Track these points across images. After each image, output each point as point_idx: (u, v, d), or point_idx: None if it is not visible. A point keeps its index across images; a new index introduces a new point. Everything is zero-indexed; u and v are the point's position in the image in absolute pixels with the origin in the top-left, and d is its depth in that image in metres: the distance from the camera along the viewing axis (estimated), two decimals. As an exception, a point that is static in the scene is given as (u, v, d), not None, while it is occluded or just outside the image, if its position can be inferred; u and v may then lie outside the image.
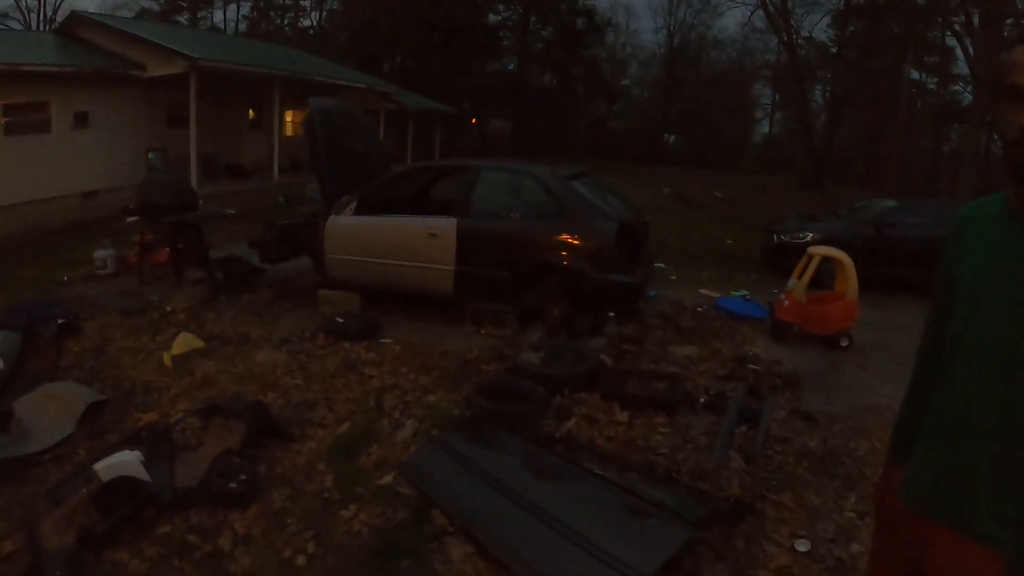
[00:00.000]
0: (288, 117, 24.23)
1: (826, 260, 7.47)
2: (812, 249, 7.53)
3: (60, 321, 7.23)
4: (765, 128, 56.29)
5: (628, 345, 6.83)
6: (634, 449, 4.98)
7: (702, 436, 5.24)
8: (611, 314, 7.04)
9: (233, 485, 4.51)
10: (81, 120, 16.64)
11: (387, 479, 4.65)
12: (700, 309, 8.44)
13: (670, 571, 3.69)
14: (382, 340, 6.95)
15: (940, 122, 39.45)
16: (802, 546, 3.97)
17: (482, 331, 7.32)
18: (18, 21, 46.06)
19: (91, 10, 26.05)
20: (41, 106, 15.76)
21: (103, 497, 4.26)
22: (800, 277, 7.41)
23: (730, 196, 27.01)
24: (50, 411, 5.43)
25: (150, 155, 16.92)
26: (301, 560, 4.06)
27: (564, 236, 7.12)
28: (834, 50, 37.82)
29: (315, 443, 5.11)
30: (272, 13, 54.93)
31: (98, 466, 4.42)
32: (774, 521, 4.29)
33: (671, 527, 3.84)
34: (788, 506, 4.42)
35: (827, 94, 38.34)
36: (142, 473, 4.45)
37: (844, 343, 7.32)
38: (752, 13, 40.37)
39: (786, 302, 7.46)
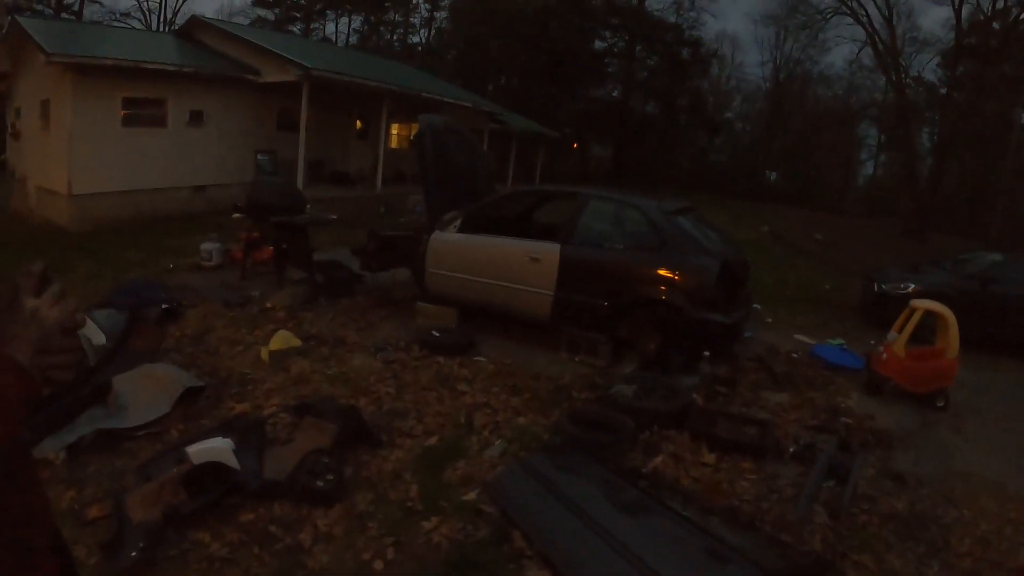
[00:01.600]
0: (394, 130, 25.01)
1: (928, 314, 7.16)
2: (915, 302, 7.30)
3: (164, 306, 7.66)
4: (869, 170, 54.40)
5: (720, 386, 6.75)
6: (718, 492, 4.90)
7: (788, 486, 5.12)
8: (706, 353, 6.95)
9: (320, 483, 4.66)
10: (196, 118, 17.69)
11: (471, 495, 4.71)
12: (795, 355, 8.23)
13: None
14: (476, 357, 7.08)
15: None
16: None
17: (576, 358, 7.36)
18: (139, 20, 49.25)
19: (209, 15, 27.57)
20: (159, 102, 16.89)
21: (192, 478, 4.48)
22: (900, 331, 7.18)
23: (830, 239, 26.23)
24: (148, 390, 5.73)
25: (259, 157, 17.73)
26: (379, 565, 4.15)
27: (665, 271, 7.11)
28: (943, 91, 36.31)
29: (402, 452, 5.22)
30: (382, 28, 56.89)
31: (191, 449, 4.66)
32: None
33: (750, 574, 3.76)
34: (869, 567, 4.28)
35: (934, 137, 36.74)
36: (232, 460, 4.66)
37: (940, 403, 7.00)
38: (860, 50, 39.49)
39: (884, 355, 7.22)
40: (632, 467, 5.07)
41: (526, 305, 7.73)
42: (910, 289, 10.40)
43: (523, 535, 4.31)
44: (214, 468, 4.57)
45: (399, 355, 6.95)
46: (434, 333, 7.29)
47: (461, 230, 8.27)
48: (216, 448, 4.72)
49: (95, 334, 6.47)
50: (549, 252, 7.57)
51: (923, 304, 7.22)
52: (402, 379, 6.44)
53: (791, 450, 5.60)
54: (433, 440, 5.37)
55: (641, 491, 4.64)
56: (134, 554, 3.93)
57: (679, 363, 7.01)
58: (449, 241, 8.33)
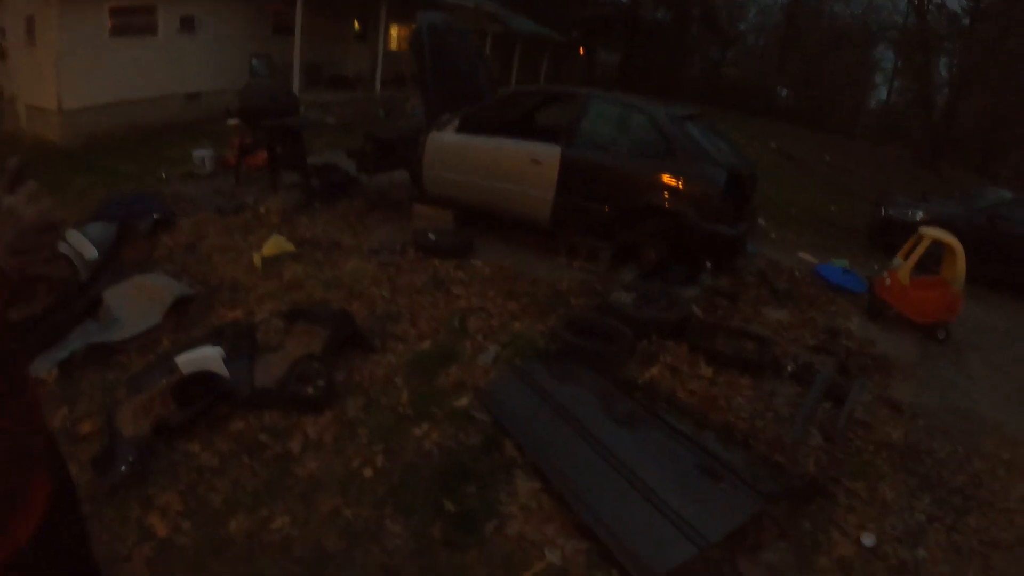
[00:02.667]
0: (393, 31, 24.10)
1: (936, 244, 6.87)
2: (923, 230, 7.02)
3: (155, 216, 7.43)
4: (883, 95, 52.38)
5: (721, 299, 6.59)
6: (714, 407, 4.79)
7: (785, 406, 5.02)
8: (708, 265, 6.77)
9: (310, 390, 4.54)
10: (187, 24, 16.93)
11: (463, 402, 4.58)
12: (797, 273, 8.09)
13: (733, 540, 3.58)
14: (472, 261, 6.87)
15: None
16: (868, 540, 3.83)
17: (575, 264, 7.17)
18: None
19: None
20: (148, 10, 16.06)
21: (181, 389, 4.35)
22: (906, 258, 6.94)
23: (839, 162, 25.63)
24: (139, 301, 5.58)
25: (253, 61, 17.11)
26: (368, 472, 4.05)
27: (670, 179, 6.81)
28: (966, 21, 34.56)
29: (395, 357, 5.08)
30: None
31: (179, 359, 4.52)
32: (844, 508, 4.12)
33: (742, 496, 3.68)
34: (860, 495, 4.23)
35: (953, 68, 35.09)
36: (222, 369, 4.52)
37: (941, 335, 6.85)
38: (881, -34, 37.16)
39: (888, 281, 7.05)
40: (628, 377, 4.96)
41: (525, 208, 7.46)
42: (918, 217, 10.14)
43: (514, 444, 4.21)
44: (204, 377, 4.44)
45: (394, 258, 6.75)
46: (430, 236, 7.05)
47: (460, 130, 7.92)
48: (205, 357, 4.58)
49: (86, 248, 6.30)
50: (550, 154, 7.27)
51: (931, 233, 6.92)
52: (397, 282, 6.26)
53: (789, 369, 5.47)
54: (426, 344, 5.23)
55: (636, 402, 4.52)
56: (123, 468, 3.85)
57: (680, 274, 6.83)
58: (447, 142, 8.00)
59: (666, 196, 6.82)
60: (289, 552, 3.58)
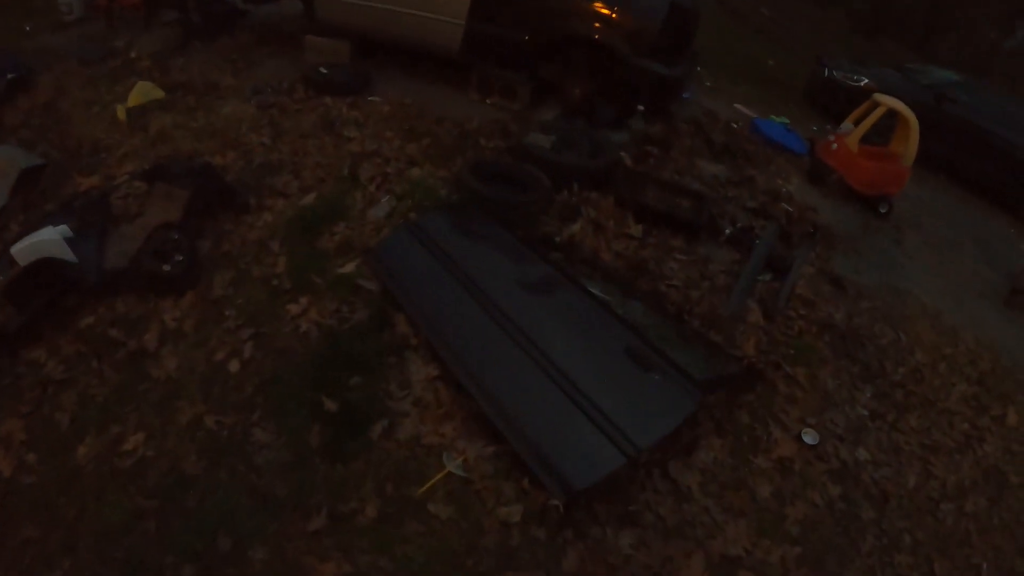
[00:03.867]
0: None
1: (888, 115, 5.97)
2: (878, 97, 6.08)
3: (10, 76, 5.99)
4: None
5: (652, 148, 5.50)
6: (644, 272, 4.01)
7: (721, 274, 4.26)
8: (640, 108, 5.67)
9: (166, 267, 3.59)
10: None
11: (349, 267, 3.70)
12: (735, 126, 6.87)
13: (664, 440, 2.94)
14: (370, 97, 5.64)
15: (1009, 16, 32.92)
16: (809, 437, 3.43)
17: (488, 101, 5.94)
18: None
19: None
20: None
21: (19, 286, 3.44)
22: (856, 123, 6.06)
23: (776, 16, 23.54)
24: (-23, 182, 4.46)
25: None
26: (234, 366, 3.24)
27: (603, 6, 5.49)
28: None
29: (272, 216, 4.11)
30: None
31: (14, 249, 3.59)
32: (784, 399, 3.57)
33: (676, 389, 2.95)
34: (801, 384, 3.69)
35: None
36: (66, 252, 3.63)
37: (883, 209, 6.07)
38: None
39: (834, 145, 6.12)
40: (544, 235, 4.08)
41: (432, 36, 6.03)
42: (863, 83, 9.01)
43: (408, 320, 3.33)
44: (45, 266, 3.49)
45: (279, 99, 5.48)
46: (322, 70, 5.76)
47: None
48: (44, 242, 3.63)
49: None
50: (461, -27, 5.78)
51: (887, 101, 5.98)
52: (280, 126, 5.08)
53: (727, 232, 4.65)
54: (310, 199, 4.24)
55: (552, 266, 3.65)
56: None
57: (607, 116, 5.69)
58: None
59: (596, 26, 5.57)
60: (143, 480, 2.88)
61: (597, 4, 5.52)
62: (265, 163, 4.58)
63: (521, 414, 2.81)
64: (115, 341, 3.38)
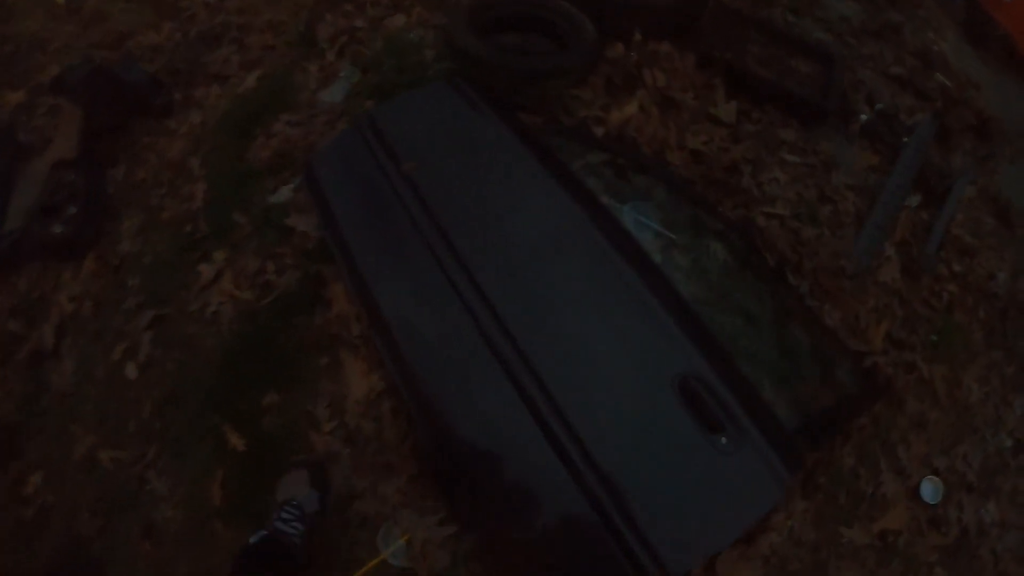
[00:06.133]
0: None
1: None
2: None
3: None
4: None
5: None
6: (733, 188, 2.23)
7: (850, 192, 2.38)
8: None
9: (58, 228, 2.35)
10: None
11: (282, 194, 2.27)
12: None
13: None
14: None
15: None
16: (929, 489, 1.90)
17: None
18: None
19: None
20: None
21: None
22: None
23: None
24: None
25: None
26: (131, 371, 2.10)
27: None
28: None
29: (202, 114, 2.71)
30: None
31: None
32: (910, 421, 2.00)
33: (755, 464, 1.41)
34: (937, 394, 2.05)
35: None
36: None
37: None
38: None
39: None
40: (579, 123, 2.28)
41: None
42: None
43: (348, 295, 1.94)
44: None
45: None
46: None
47: None
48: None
49: None
50: None
51: None
52: None
53: (862, 117, 2.58)
54: (250, 81, 2.75)
55: (583, 199, 1.84)
56: None
57: None
58: None
59: None
60: (41, 540, 1.95)
61: None
62: (205, 32, 3.06)
63: (492, 488, 1.46)
64: (15, 336, 2.27)
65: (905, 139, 2.51)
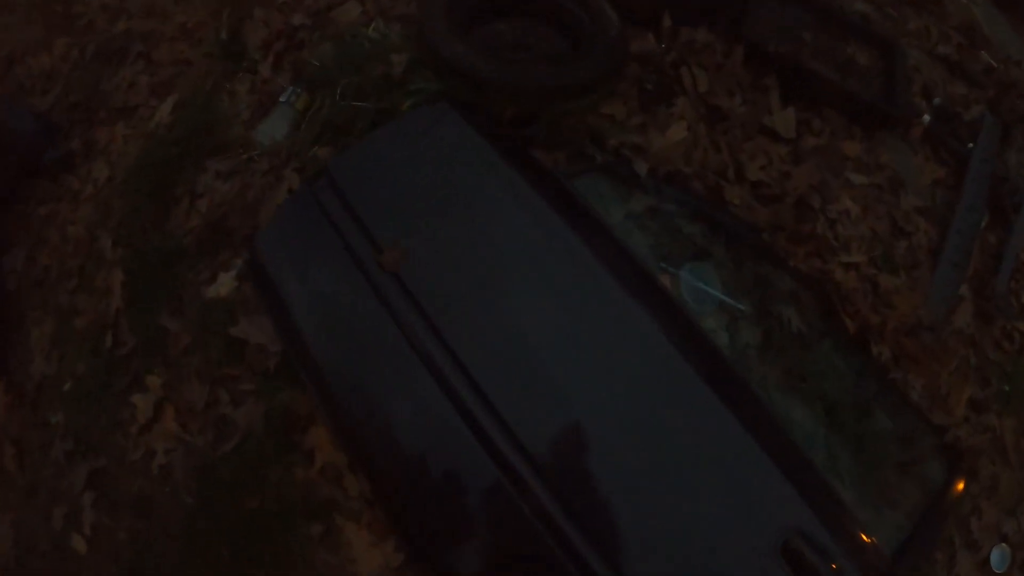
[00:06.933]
0: None
1: None
2: None
3: None
4: None
5: None
6: (802, 232, 1.61)
7: (920, 217, 1.80)
8: None
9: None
10: None
11: (223, 285, 1.67)
12: None
13: None
14: None
15: None
16: (998, 557, 1.56)
17: None
18: None
19: None
20: None
21: None
22: None
23: None
24: None
25: None
26: (79, 544, 1.67)
27: None
28: None
29: (107, 167, 2.04)
30: None
31: None
32: (982, 488, 1.59)
33: None
34: (1008, 454, 1.63)
35: None
36: None
37: None
38: None
39: None
40: (615, 153, 1.57)
41: None
42: None
43: (333, 436, 1.39)
44: None
45: None
46: None
47: None
48: None
49: None
50: None
51: None
52: None
53: (926, 119, 1.93)
54: (165, 111, 2.06)
55: (612, 250, 1.27)
56: None
57: None
58: None
59: None
60: None
61: None
62: (105, 45, 2.35)
63: None
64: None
65: (970, 144, 1.94)
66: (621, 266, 1.27)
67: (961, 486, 1.46)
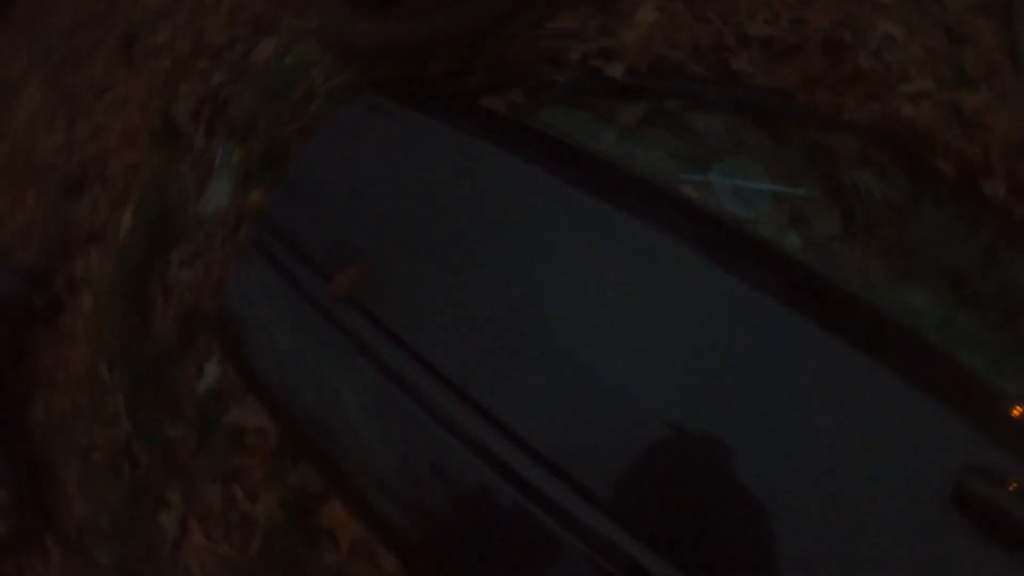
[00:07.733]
0: None
1: None
2: None
3: None
4: None
5: None
6: (843, 73, 1.25)
7: (974, 14, 1.35)
8: None
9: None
10: None
11: (210, 374, 1.47)
12: None
13: None
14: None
15: None
16: None
17: None
18: None
19: None
20: None
21: None
22: None
23: None
24: None
25: None
26: None
27: None
28: None
29: (91, 296, 1.92)
30: None
31: None
32: None
33: None
34: None
35: None
36: None
37: None
38: None
39: None
40: (581, 68, 1.28)
41: None
42: None
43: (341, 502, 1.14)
44: None
45: (61, 47, 2.88)
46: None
47: None
48: None
49: None
50: None
51: None
52: (74, 94, 2.54)
53: None
54: (127, 220, 1.92)
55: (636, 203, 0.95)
56: None
57: None
58: None
59: None
60: None
61: None
62: (67, 181, 2.25)
63: None
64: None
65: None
66: (632, 199, 0.97)
67: None
